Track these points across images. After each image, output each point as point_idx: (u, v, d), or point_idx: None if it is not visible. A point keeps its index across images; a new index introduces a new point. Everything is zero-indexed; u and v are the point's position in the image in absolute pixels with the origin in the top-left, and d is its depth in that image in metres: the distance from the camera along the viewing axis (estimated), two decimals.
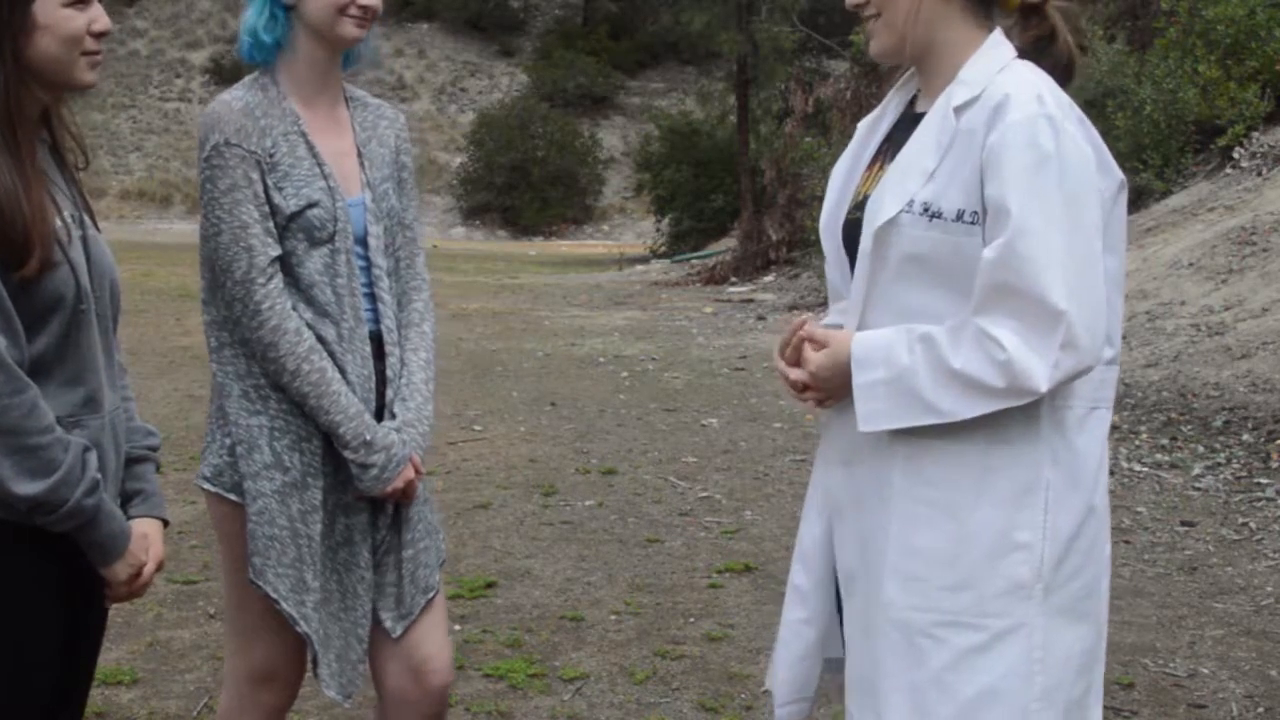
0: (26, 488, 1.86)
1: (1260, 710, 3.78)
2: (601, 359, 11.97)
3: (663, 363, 11.74)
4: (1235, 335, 9.32)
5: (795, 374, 2.04)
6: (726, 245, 25.79)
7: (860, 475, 2.01)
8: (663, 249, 30.15)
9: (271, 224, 2.34)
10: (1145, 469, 6.80)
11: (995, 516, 1.91)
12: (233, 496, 2.38)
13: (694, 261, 25.85)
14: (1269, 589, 4.89)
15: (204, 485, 2.43)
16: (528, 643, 4.29)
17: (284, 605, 2.34)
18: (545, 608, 4.67)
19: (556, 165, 40.64)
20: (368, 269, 2.44)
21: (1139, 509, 6.05)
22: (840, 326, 2.09)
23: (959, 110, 1.91)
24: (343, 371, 2.37)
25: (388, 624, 2.47)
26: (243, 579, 2.38)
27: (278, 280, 2.33)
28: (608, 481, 6.74)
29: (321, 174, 2.38)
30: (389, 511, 2.47)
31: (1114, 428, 7.64)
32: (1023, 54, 2.00)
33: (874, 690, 1.95)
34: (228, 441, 2.38)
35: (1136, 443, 7.34)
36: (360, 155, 2.48)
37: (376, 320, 2.45)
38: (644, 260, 29.27)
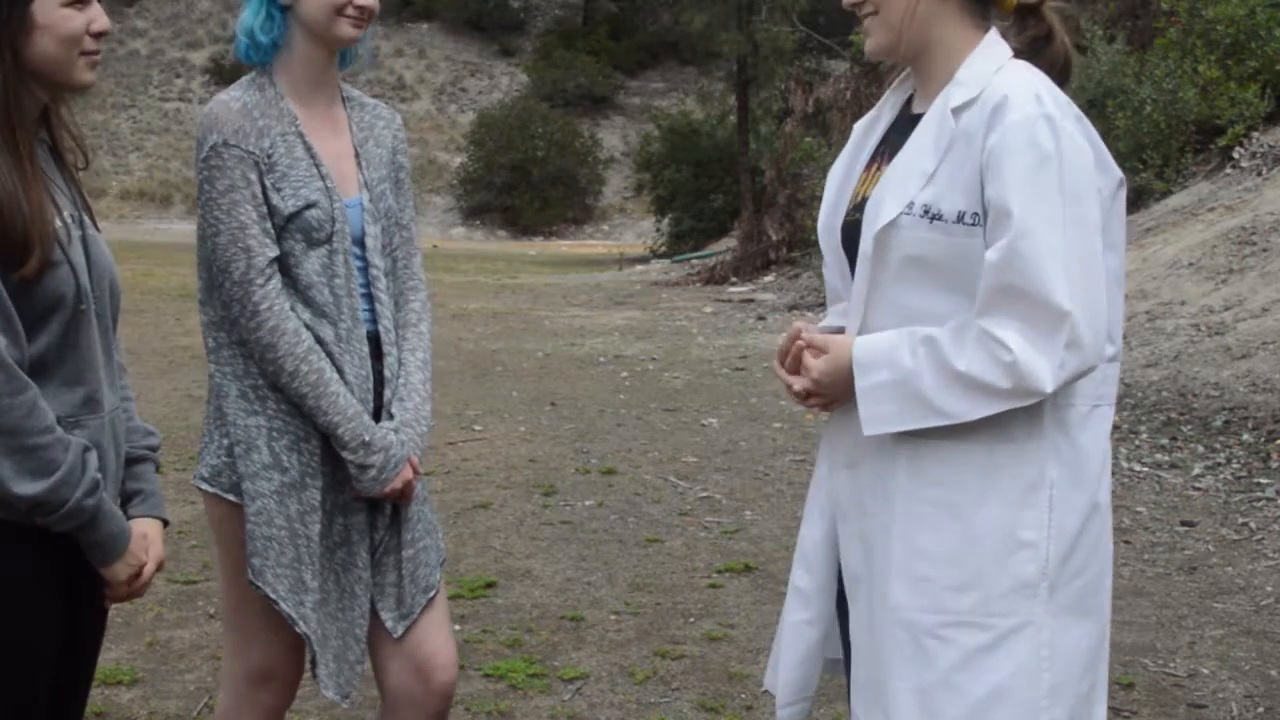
0: (27, 488, 1.86)
1: (1260, 710, 3.78)
2: (601, 359, 11.97)
3: (663, 363, 11.75)
4: (1235, 335, 9.32)
5: (798, 384, 2.04)
6: (726, 245, 25.80)
7: (863, 477, 2.01)
8: (663, 249, 30.17)
9: (269, 224, 2.33)
10: (1145, 469, 6.80)
11: (1000, 515, 1.91)
12: (231, 497, 2.38)
13: (694, 261, 25.86)
14: (1269, 589, 4.89)
15: (202, 486, 2.43)
16: (528, 643, 4.29)
17: (283, 605, 2.34)
18: (545, 608, 4.67)
19: (556, 165, 40.65)
20: (365, 269, 2.44)
21: (1139, 509, 6.05)
22: (840, 328, 2.09)
23: (957, 111, 1.91)
24: (341, 372, 2.37)
25: (389, 624, 2.47)
26: (241, 579, 2.38)
27: (276, 281, 2.33)
28: (608, 481, 6.74)
29: (319, 174, 2.38)
30: (387, 511, 2.47)
31: (1114, 427, 7.63)
32: (1019, 55, 2.00)
33: (882, 691, 1.95)
34: (225, 442, 2.38)
35: (1136, 443, 7.34)
36: (357, 156, 2.48)
37: (374, 321, 2.45)
38: (644, 260, 29.28)
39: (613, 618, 4.57)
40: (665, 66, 48.31)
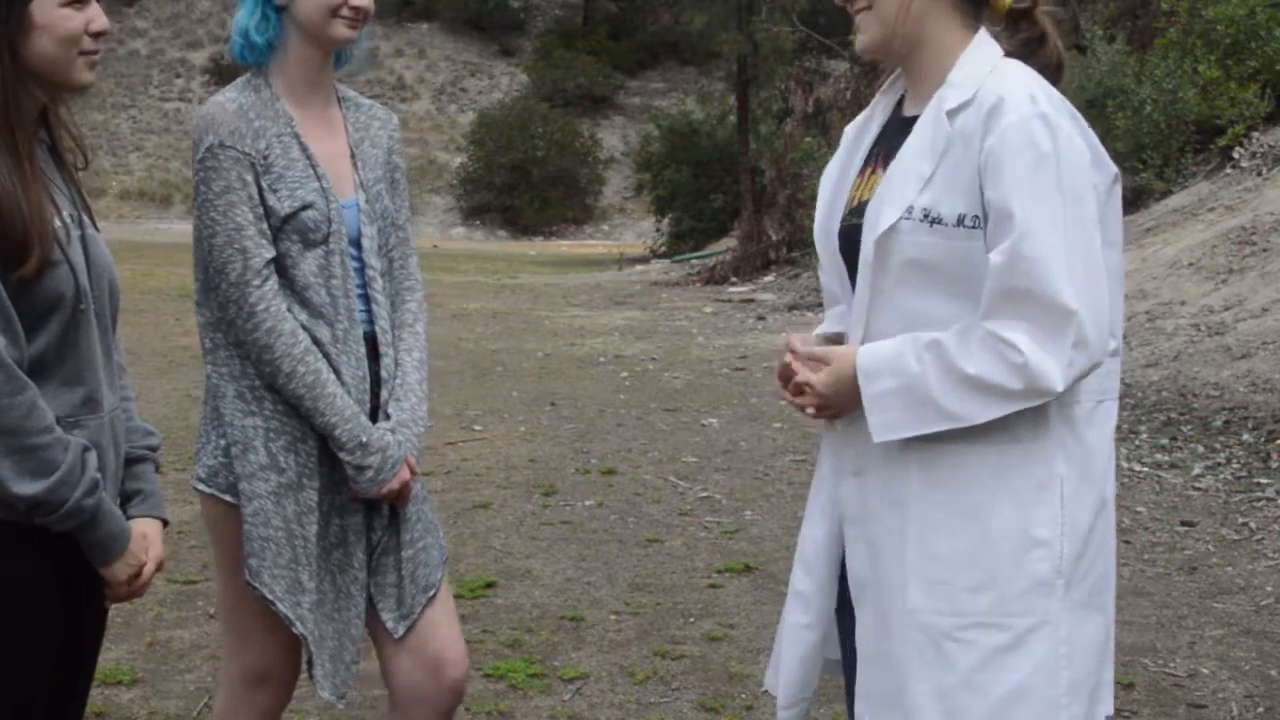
0: (26, 488, 1.86)
1: (1260, 710, 3.78)
2: (601, 359, 11.97)
3: (663, 363, 11.75)
4: (1235, 335, 9.32)
5: (805, 402, 2.03)
6: (726, 245, 25.80)
7: (870, 483, 2.01)
8: (663, 249, 30.17)
9: (266, 226, 2.33)
10: (1145, 469, 6.80)
11: (1013, 515, 1.92)
12: (228, 497, 2.38)
13: (694, 261, 25.87)
14: (1269, 589, 4.89)
15: (199, 486, 2.43)
16: (528, 643, 4.29)
17: (280, 606, 2.33)
18: (545, 608, 4.67)
19: (556, 165, 40.66)
20: (361, 270, 2.44)
21: (1139, 509, 6.05)
22: (838, 335, 2.10)
23: (952, 114, 1.91)
24: (338, 373, 2.37)
25: (389, 624, 2.47)
26: (238, 580, 2.38)
27: (272, 282, 2.33)
28: (608, 481, 6.74)
29: (315, 175, 2.38)
30: (385, 512, 2.47)
31: (1114, 427, 7.64)
32: (1012, 56, 2.00)
33: (902, 696, 1.95)
34: (222, 443, 2.38)
35: (1136, 443, 7.34)
36: (353, 156, 2.47)
37: (371, 321, 2.45)
38: (644, 260, 29.28)
39: (613, 618, 4.57)
40: (665, 66, 48.33)
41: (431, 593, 2.49)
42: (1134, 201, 14.59)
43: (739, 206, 25.92)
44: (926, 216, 1.90)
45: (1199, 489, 6.39)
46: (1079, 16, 19.11)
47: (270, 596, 2.33)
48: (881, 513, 1.99)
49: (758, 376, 10.60)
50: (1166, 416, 7.87)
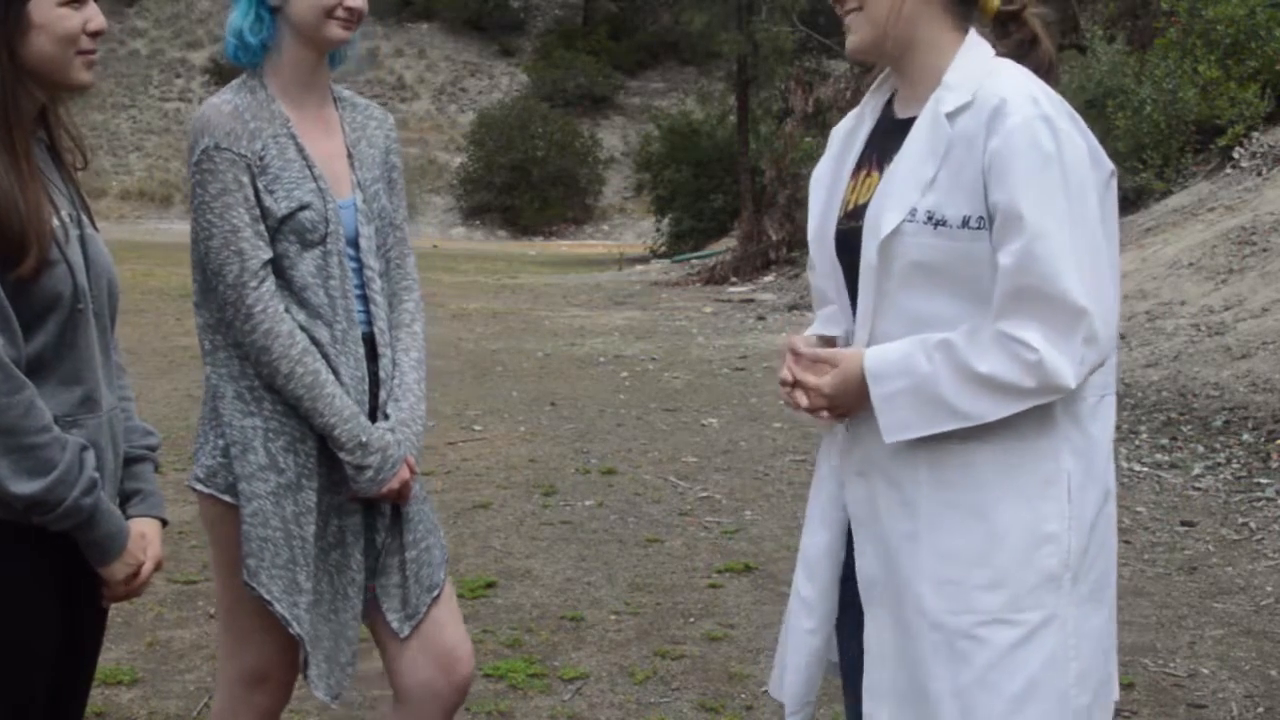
0: (24, 487, 1.86)
1: (1260, 710, 3.78)
2: (601, 359, 11.98)
3: (663, 363, 11.75)
4: (1235, 335, 9.32)
5: (810, 402, 2.04)
6: (726, 245, 25.81)
7: (878, 485, 2.01)
8: (663, 249, 30.17)
9: (263, 227, 2.33)
10: (1145, 469, 6.80)
11: (1022, 511, 1.93)
12: (227, 498, 2.38)
13: (694, 261, 25.87)
14: (1269, 589, 4.88)
15: (197, 487, 2.42)
16: (528, 643, 4.29)
17: (277, 607, 2.33)
18: (545, 608, 4.67)
19: (556, 165, 40.66)
20: (359, 270, 2.44)
21: (1139, 509, 6.05)
22: (830, 337, 2.11)
23: (951, 116, 1.92)
24: (336, 373, 2.37)
25: (394, 624, 2.47)
26: (236, 581, 2.37)
27: (270, 284, 2.33)
28: (608, 481, 6.74)
29: (312, 176, 2.37)
30: (386, 513, 2.47)
31: (1114, 427, 7.64)
32: (1003, 58, 2.01)
33: (921, 695, 1.96)
34: (221, 443, 2.38)
35: (1136, 443, 7.34)
36: (350, 156, 2.47)
37: (369, 322, 2.44)
38: (644, 260, 29.29)
39: (613, 618, 4.57)
40: (665, 66, 48.32)
41: (435, 592, 2.50)
42: (1134, 201, 14.59)
43: (739, 206, 25.92)
44: (930, 219, 1.91)
45: (1199, 489, 6.39)
46: (1079, 16, 19.11)
47: (268, 597, 2.33)
48: (891, 514, 1.99)
49: (758, 376, 10.60)
50: (1166, 416, 7.86)
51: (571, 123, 42.23)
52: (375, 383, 2.45)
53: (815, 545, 2.15)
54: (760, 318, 15.96)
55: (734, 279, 21.64)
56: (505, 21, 51.07)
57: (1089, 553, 1.98)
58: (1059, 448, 1.95)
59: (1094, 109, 14.71)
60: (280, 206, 2.33)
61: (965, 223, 1.90)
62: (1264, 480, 6.40)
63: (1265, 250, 10.88)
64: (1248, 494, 6.22)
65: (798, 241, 20.67)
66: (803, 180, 20.71)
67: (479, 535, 5.63)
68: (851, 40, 2.05)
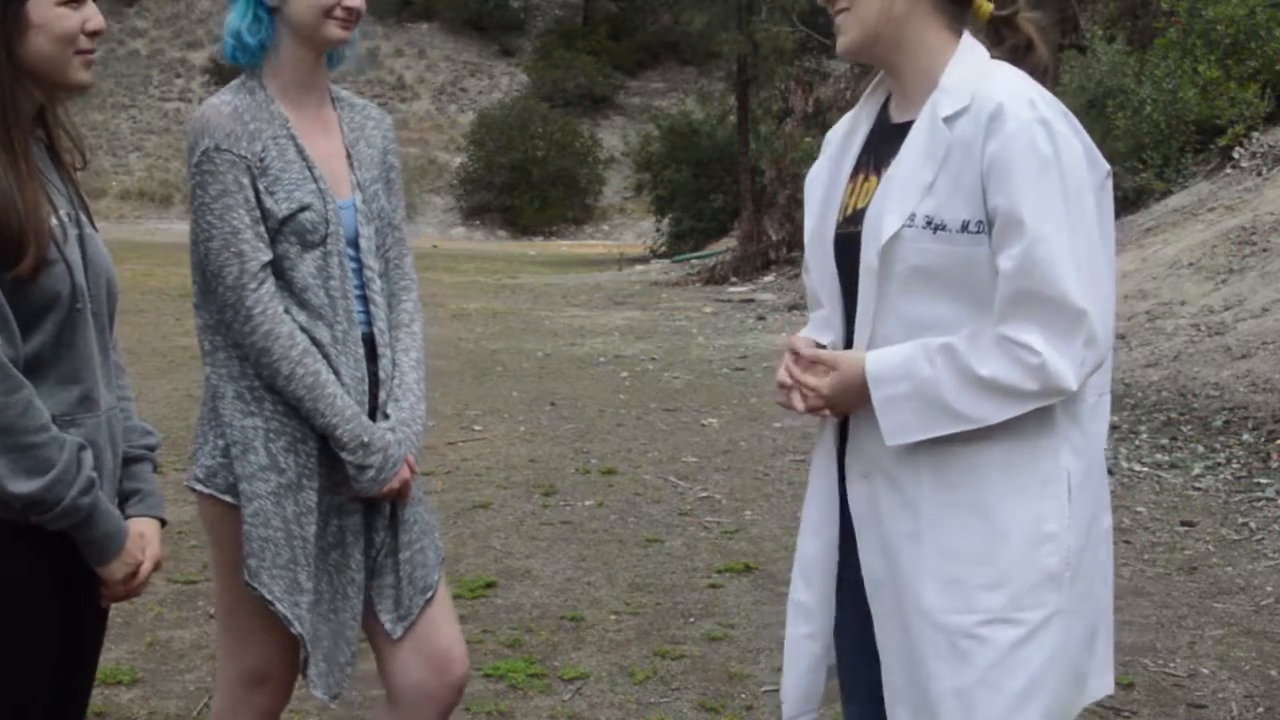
0: (22, 486, 1.86)
1: (1260, 710, 3.77)
2: (601, 359, 11.97)
3: (663, 363, 11.75)
4: (1235, 335, 9.32)
5: (811, 404, 2.04)
6: (726, 245, 25.79)
7: (880, 487, 2.02)
8: (663, 249, 30.16)
9: (263, 228, 2.33)
10: (1145, 469, 6.80)
11: (1023, 511, 1.94)
12: (227, 498, 2.38)
13: (694, 261, 25.86)
14: (1269, 589, 4.88)
15: (197, 487, 2.42)
16: (528, 643, 4.29)
17: (278, 607, 2.33)
18: (545, 608, 4.67)
19: (556, 165, 40.65)
20: (359, 271, 2.44)
21: (1139, 509, 6.05)
22: (825, 345, 2.11)
23: (949, 120, 1.92)
24: (337, 373, 2.37)
25: (387, 625, 2.47)
26: (236, 581, 2.37)
27: (269, 285, 2.33)
28: (608, 481, 6.74)
29: (312, 177, 2.37)
30: (386, 514, 2.47)
31: (1114, 427, 7.64)
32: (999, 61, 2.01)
33: (924, 696, 1.97)
34: (221, 443, 2.38)
35: (1136, 443, 7.34)
36: (349, 157, 2.47)
37: (369, 322, 2.44)
38: (644, 260, 29.28)
39: (613, 618, 4.57)
40: (665, 66, 48.32)
41: (429, 594, 2.50)
42: (1134, 201, 14.59)
43: (739, 206, 25.91)
44: (930, 224, 1.92)
45: (1199, 489, 6.39)
46: (1079, 16, 19.11)
47: (269, 597, 2.33)
48: (893, 516, 2.00)
49: (758, 376, 10.60)
50: (1166, 416, 7.86)
51: (571, 123, 42.21)
52: (375, 383, 2.45)
53: (810, 551, 2.16)
54: (760, 318, 15.96)
55: (734, 279, 21.64)
56: (505, 21, 51.06)
57: (1086, 551, 1.99)
58: (1059, 447, 1.96)
59: (1094, 109, 14.71)
60: (281, 208, 2.33)
61: (965, 227, 1.90)
62: (1264, 480, 6.39)
63: (1265, 250, 10.88)
64: (1248, 494, 6.22)
65: (798, 241, 20.63)
66: (802, 180, 20.65)
67: (479, 535, 5.63)
68: (842, 41, 2.05)
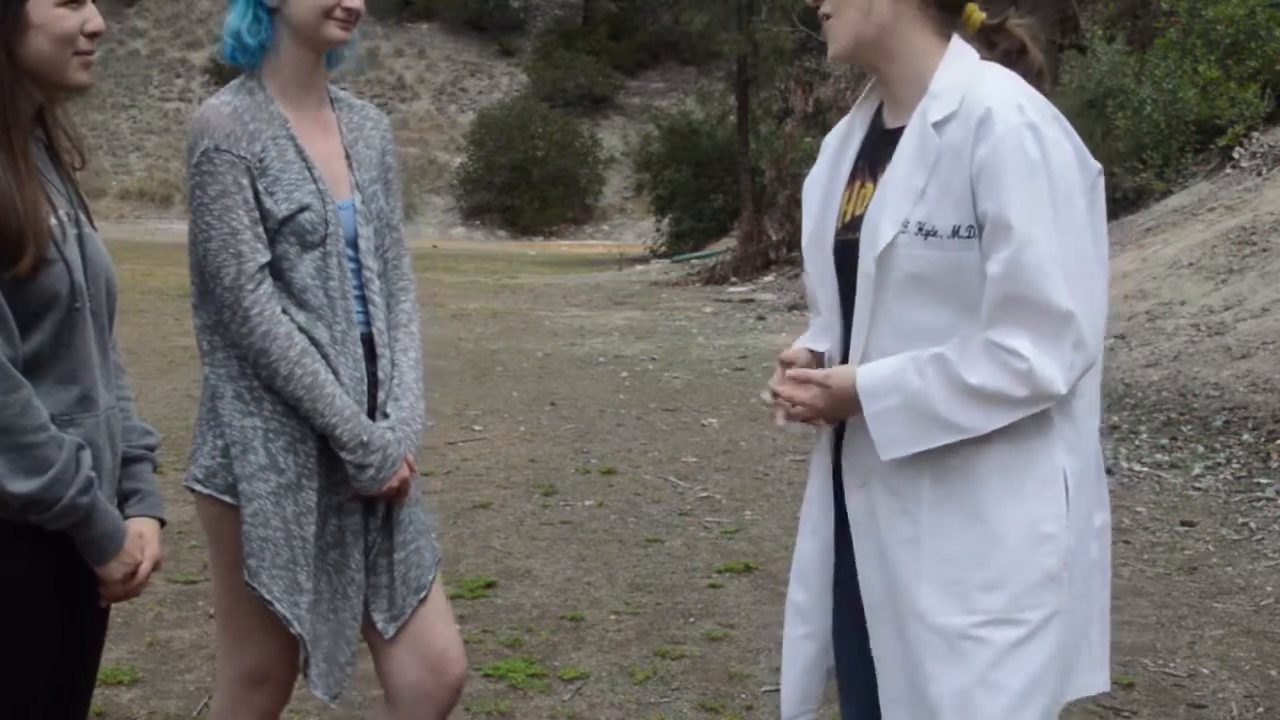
0: (20, 485, 1.86)
1: (1260, 710, 3.77)
2: (601, 359, 11.97)
3: (663, 363, 11.75)
4: (1235, 335, 9.32)
5: (802, 415, 2.06)
6: (726, 245, 25.79)
7: (877, 494, 2.02)
8: (663, 249, 30.14)
9: (261, 229, 2.33)
10: (1145, 469, 6.80)
11: (1021, 512, 1.94)
12: (226, 498, 2.38)
13: (694, 261, 25.85)
14: (1269, 589, 4.88)
15: (196, 487, 2.42)
16: (528, 643, 4.29)
17: (278, 607, 2.33)
18: (545, 608, 4.67)
19: (556, 165, 40.63)
20: (358, 271, 2.44)
21: (1139, 509, 6.05)
22: (820, 352, 2.13)
23: (938, 126, 1.93)
24: (336, 374, 2.37)
25: (379, 625, 2.47)
26: (235, 581, 2.37)
27: (267, 285, 2.33)
28: (608, 481, 6.74)
29: (311, 177, 2.37)
30: (380, 514, 2.47)
31: (1114, 427, 7.65)
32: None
33: (921, 698, 1.97)
34: (220, 443, 2.37)
35: (1136, 443, 7.34)
36: (348, 157, 2.47)
37: (367, 322, 2.45)
38: (644, 260, 29.27)
39: (613, 618, 4.57)
40: (665, 66, 48.30)
41: (423, 594, 2.50)
42: (1134, 201, 14.59)
43: (739, 206, 25.89)
44: (921, 229, 1.93)
45: (1199, 489, 6.39)
46: (1079, 16, 19.11)
47: (269, 597, 2.33)
48: (892, 522, 2.00)
49: (758, 376, 10.60)
50: (1166, 416, 7.86)
51: (571, 123, 42.19)
52: (374, 383, 2.45)
53: (807, 554, 2.18)
54: (760, 318, 15.96)
55: (734, 279, 21.63)
56: (505, 21, 51.04)
57: (1082, 551, 1.99)
58: (1055, 448, 1.96)
59: (1094, 109, 14.71)
60: (280, 208, 2.33)
61: (955, 232, 1.91)
62: (1264, 480, 6.39)
63: (1265, 250, 10.88)
64: (1248, 494, 6.22)
65: (798, 242, 20.52)
66: (802, 180, 20.67)
67: (479, 535, 5.63)
68: (831, 48, 2.07)
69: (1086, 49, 16.53)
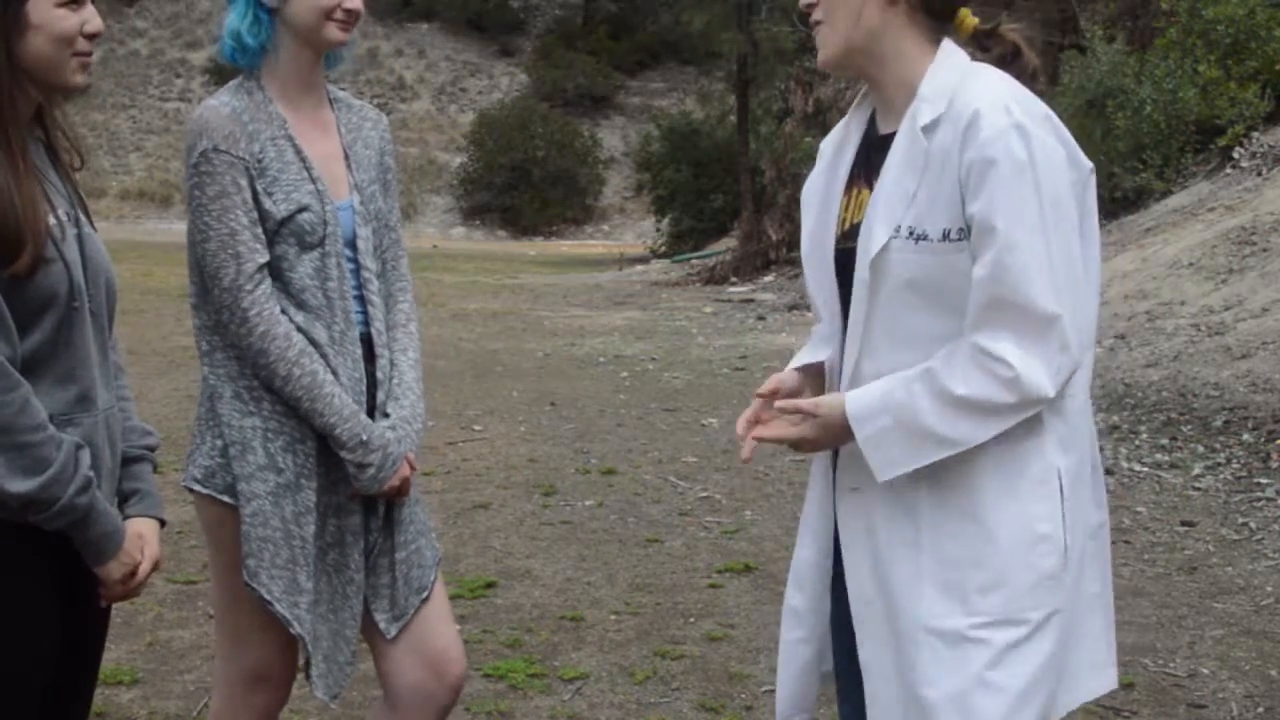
0: (18, 485, 1.86)
1: (1260, 710, 3.77)
2: (601, 359, 11.97)
3: (663, 363, 11.75)
4: (1235, 335, 9.32)
5: (793, 436, 2.07)
6: (726, 245, 25.79)
7: (873, 498, 2.02)
8: (663, 249, 30.15)
9: (260, 230, 2.33)
10: (1145, 469, 6.80)
11: (1016, 512, 1.94)
12: (225, 498, 2.38)
13: (694, 261, 25.85)
14: (1269, 589, 4.88)
15: (194, 487, 2.42)
16: (528, 643, 4.29)
17: (277, 607, 2.33)
18: (545, 608, 4.67)
19: (556, 165, 40.62)
20: (357, 271, 2.44)
21: (1139, 509, 6.04)
22: (818, 364, 2.14)
23: (927, 130, 1.93)
24: (335, 374, 2.37)
25: (381, 625, 2.47)
26: (234, 581, 2.37)
27: (265, 286, 2.32)
28: (608, 481, 6.74)
29: (310, 178, 2.37)
30: (380, 514, 2.47)
31: (1114, 428, 7.66)
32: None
33: (916, 703, 1.96)
34: (219, 443, 2.37)
35: (1136, 443, 7.34)
36: (347, 158, 2.47)
37: (366, 323, 2.45)
38: (644, 260, 29.27)
39: (613, 618, 4.57)
40: (665, 66, 48.28)
41: (424, 594, 2.50)
42: (1134, 201, 14.60)
43: (739, 206, 25.89)
44: (912, 234, 1.93)
45: (1199, 489, 6.39)
46: (1079, 16, 19.10)
47: (268, 597, 2.33)
48: (890, 524, 2.00)
49: (758, 376, 10.59)
50: (1166, 416, 7.86)
51: (571, 123, 42.19)
52: (373, 383, 2.45)
53: (804, 559, 2.19)
54: (760, 318, 15.95)
55: (734, 279, 21.63)
56: (505, 21, 51.02)
57: (1080, 551, 1.99)
58: (1048, 447, 1.95)
59: (1094, 109, 14.71)
60: (279, 209, 2.33)
61: (945, 236, 1.91)
62: (1264, 480, 6.39)
63: (1265, 250, 10.88)
64: (1248, 494, 6.22)
65: (798, 242, 20.58)
66: (802, 180, 20.64)
67: (479, 535, 5.63)
68: (821, 55, 2.06)
69: (1086, 49, 16.52)
